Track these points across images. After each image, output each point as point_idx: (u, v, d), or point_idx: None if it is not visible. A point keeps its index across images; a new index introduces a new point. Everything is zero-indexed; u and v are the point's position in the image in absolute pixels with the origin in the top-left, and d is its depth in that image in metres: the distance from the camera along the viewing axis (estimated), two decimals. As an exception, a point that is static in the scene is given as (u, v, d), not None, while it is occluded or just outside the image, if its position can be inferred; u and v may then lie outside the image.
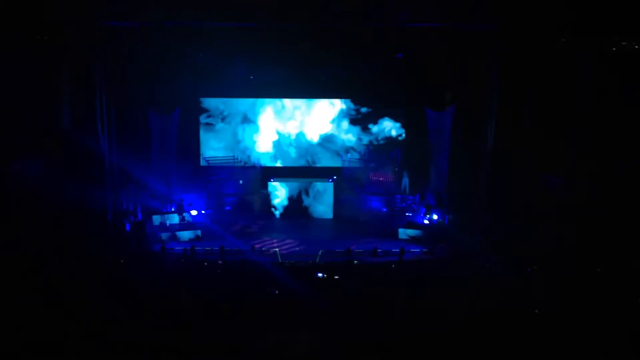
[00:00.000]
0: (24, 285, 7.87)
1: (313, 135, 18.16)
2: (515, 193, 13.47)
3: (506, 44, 13.35)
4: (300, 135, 18.18)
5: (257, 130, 18.09)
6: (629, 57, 12.74)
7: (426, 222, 15.05)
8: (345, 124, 18.01)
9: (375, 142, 18.03)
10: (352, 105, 17.92)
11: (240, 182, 17.20)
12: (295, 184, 17.11)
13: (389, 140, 17.98)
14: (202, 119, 17.92)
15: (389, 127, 17.95)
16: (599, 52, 12.88)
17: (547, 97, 13.32)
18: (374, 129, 17.98)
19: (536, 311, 5.94)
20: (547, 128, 13.23)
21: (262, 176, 17.59)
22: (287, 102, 18.00)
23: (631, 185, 12.70)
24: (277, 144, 18.23)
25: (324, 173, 17.87)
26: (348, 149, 18.06)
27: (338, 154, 18.11)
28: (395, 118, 17.90)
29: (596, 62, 12.88)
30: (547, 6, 12.16)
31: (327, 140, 18.13)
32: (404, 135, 17.88)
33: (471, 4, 12.80)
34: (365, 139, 18.04)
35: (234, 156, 17.95)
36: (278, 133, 18.14)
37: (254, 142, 18.18)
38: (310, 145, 18.20)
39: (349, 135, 18.05)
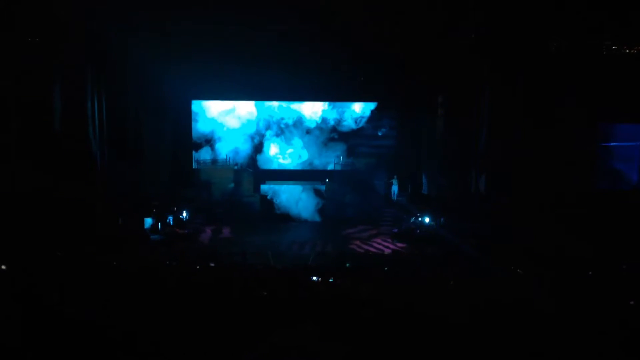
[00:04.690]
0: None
1: (301, 137, 18.18)
2: (507, 195, 13.53)
3: (497, 47, 13.43)
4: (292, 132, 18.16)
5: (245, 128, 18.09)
6: (621, 59, 12.89)
7: (418, 225, 15.02)
8: (335, 126, 18.03)
9: (366, 146, 18.05)
10: (342, 110, 17.94)
11: (231, 185, 17.11)
12: (288, 187, 17.09)
13: (380, 144, 18.01)
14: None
15: (380, 130, 17.97)
16: (590, 55, 13.00)
17: (539, 99, 13.41)
18: (365, 131, 18.00)
19: (532, 313, 5.95)
20: (539, 130, 13.33)
21: (255, 179, 17.54)
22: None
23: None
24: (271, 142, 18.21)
25: (316, 176, 17.85)
26: (339, 153, 18.07)
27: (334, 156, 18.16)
28: (386, 121, 17.92)
29: (588, 64, 13.01)
30: (539, 10, 12.22)
31: (316, 143, 18.13)
32: (394, 138, 17.91)
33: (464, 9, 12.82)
34: (357, 142, 18.05)
35: (226, 159, 17.90)
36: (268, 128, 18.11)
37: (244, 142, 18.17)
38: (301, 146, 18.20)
39: (338, 138, 18.09)
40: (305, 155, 18.11)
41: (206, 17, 12.63)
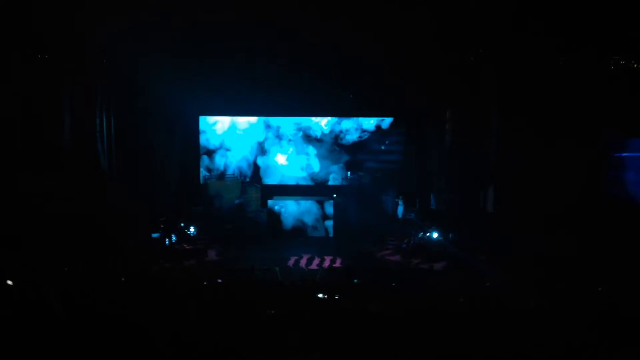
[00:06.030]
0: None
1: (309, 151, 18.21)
2: (517, 208, 13.45)
3: (506, 61, 13.44)
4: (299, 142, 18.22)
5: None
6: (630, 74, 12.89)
7: (426, 240, 14.91)
8: (340, 140, 18.05)
9: (373, 160, 18.01)
10: (353, 124, 17.95)
11: (236, 201, 17.05)
12: (295, 202, 17.04)
13: (387, 159, 17.98)
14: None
15: (386, 145, 17.95)
16: (598, 69, 13.00)
17: (547, 112, 13.38)
18: (372, 145, 17.99)
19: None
20: (548, 142, 13.29)
21: (262, 195, 17.48)
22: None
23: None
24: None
25: (323, 191, 17.82)
26: (347, 166, 18.05)
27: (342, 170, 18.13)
28: (393, 136, 17.91)
29: (596, 78, 13.00)
30: (546, 25, 12.22)
31: (322, 155, 18.14)
32: (401, 153, 17.87)
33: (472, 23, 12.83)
34: (363, 156, 18.03)
35: (233, 173, 17.91)
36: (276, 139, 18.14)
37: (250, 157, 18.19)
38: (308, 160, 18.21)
39: (344, 152, 18.09)
40: (316, 167, 18.09)
41: (217, 43, 12.89)
